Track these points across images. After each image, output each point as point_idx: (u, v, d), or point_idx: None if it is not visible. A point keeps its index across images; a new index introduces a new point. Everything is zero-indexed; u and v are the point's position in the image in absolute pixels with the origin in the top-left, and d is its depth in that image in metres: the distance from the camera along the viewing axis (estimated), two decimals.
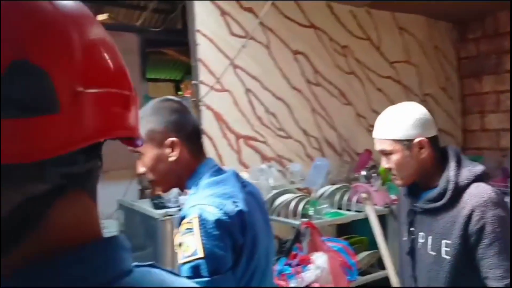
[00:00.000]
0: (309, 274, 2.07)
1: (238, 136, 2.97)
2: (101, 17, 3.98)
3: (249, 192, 1.24)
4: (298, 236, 2.36)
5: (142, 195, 3.50)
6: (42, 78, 0.37)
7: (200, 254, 1.05)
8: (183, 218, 1.12)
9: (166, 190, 1.30)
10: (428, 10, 3.83)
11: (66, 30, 0.39)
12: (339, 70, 3.46)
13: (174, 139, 1.19)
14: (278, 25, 3.14)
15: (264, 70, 3.08)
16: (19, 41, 0.37)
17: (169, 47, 4.40)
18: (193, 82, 2.94)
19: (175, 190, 2.31)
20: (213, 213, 1.08)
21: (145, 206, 2.34)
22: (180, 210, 1.23)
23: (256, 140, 3.05)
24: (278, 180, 2.87)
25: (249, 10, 3.01)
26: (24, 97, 0.36)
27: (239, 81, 2.99)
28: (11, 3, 0.38)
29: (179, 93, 5.68)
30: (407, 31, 3.90)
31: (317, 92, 3.33)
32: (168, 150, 1.20)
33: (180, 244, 1.10)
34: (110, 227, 3.06)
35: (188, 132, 1.22)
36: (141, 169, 1.24)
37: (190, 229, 1.08)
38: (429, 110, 1.53)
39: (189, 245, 1.07)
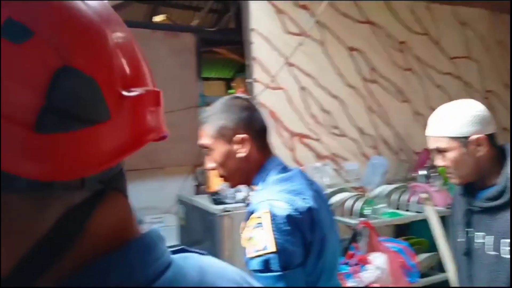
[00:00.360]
0: (369, 275, 2.04)
1: (292, 134, 2.97)
2: (159, 18, 4.12)
3: (315, 190, 1.24)
4: (355, 236, 2.33)
5: (197, 191, 3.59)
6: (90, 84, 0.35)
7: (272, 248, 1.06)
8: (252, 212, 1.14)
9: (235, 185, 1.32)
10: (491, 4, 3.64)
11: (102, 31, 0.37)
12: (396, 66, 3.37)
13: (243, 135, 1.21)
14: (333, 21, 3.10)
15: (319, 67, 3.06)
16: (61, 46, 0.34)
17: (222, 46, 4.47)
18: (248, 80, 2.97)
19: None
20: (283, 209, 1.09)
21: (204, 201, 2.39)
22: (247, 205, 1.24)
23: (310, 138, 3.03)
24: (332, 179, 2.84)
25: (304, 7, 3.00)
26: (73, 107, 0.34)
27: (294, 79, 2.99)
28: (48, 7, 0.36)
29: (230, 91, 5.75)
30: (468, 26, 3.73)
31: (373, 90, 3.26)
32: (237, 147, 1.21)
33: (249, 238, 1.11)
34: (168, 221, 3.16)
35: (257, 129, 1.24)
36: (211, 164, 1.27)
37: (260, 224, 1.09)
38: (492, 108, 1.47)
39: (259, 239, 1.08)
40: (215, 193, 2.38)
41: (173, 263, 0.41)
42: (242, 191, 2.28)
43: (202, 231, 2.44)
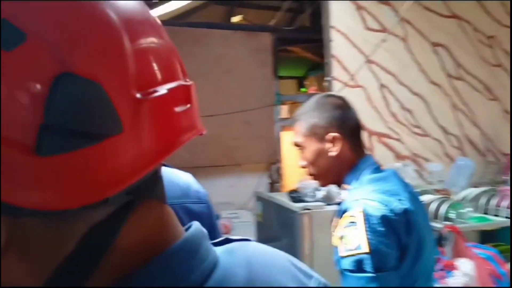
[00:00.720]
0: (456, 281, 1.95)
1: (371, 133, 2.90)
2: (236, 18, 4.21)
3: (410, 192, 1.20)
4: (440, 240, 2.23)
5: (271, 188, 3.64)
6: (95, 92, 0.29)
7: (365, 249, 1.05)
8: (344, 211, 1.13)
9: (325, 184, 1.32)
10: None
11: (111, 27, 0.32)
12: (484, 62, 3.17)
13: (335, 134, 1.21)
14: (416, 16, 2.99)
15: (400, 64, 2.96)
16: (58, 49, 0.29)
17: (297, 45, 4.48)
18: (326, 78, 2.95)
19: (311, 185, 2.35)
20: (378, 209, 1.07)
21: (283, 198, 2.42)
22: (339, 204, 1.24)
23: (389, 137, 2.95)
24: (413, 180, 2.74)
25: (386, 3, 2.92)
26: (77, 121, 0.29)
27: (373, 76, 2.92)
28: (40, 1, 0.30)
29: (302, 90, 5.75)
30: None
31: (459, 87, 3.10)
32: (329, 145, 1.21)
33: (341, 237, 1.11)
34: (243, 217, 3.24)
35: (349, 128, 1.23)
36: (302, 162, 1.28)
37: (353, 223, 1.08)
38: None
39: (352, 238, 1.07)
40: (294, 191, 2.39)
41: (219, 262, 0.38)
42: (322, 190, 2.28)
43: (280, 228, 2.46)
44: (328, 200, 2.28)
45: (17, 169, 0.28)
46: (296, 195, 2.33)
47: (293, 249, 2.19)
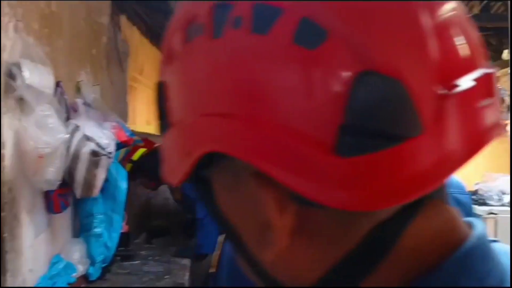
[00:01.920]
0: None
1: None
2: None
3: None
4: None
5: None
6: (397, 91, 0.27)
7: None
8: None
9: None
10: None
11: (412, 12, 0.29)
12: None
13: None
14: None
15: None
16: (359, 44, 0.28)
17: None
18: None
19: (495, 187, 2.15)
20: None
21: None
22: None
23: None
24: None
25: None
26: (376, 120, 0.27)
27: None
28: None
29: None
30: None
31: None
32: None
33: None
34: None
35: None
36: None
37: None
38: None
39: None
40: (474, 193, 2.22)
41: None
42: (508, 194, 2.07)
43: None
44: None
45: (317, 167, 0.28)
46: (477, 197, 2.17)
47: None
